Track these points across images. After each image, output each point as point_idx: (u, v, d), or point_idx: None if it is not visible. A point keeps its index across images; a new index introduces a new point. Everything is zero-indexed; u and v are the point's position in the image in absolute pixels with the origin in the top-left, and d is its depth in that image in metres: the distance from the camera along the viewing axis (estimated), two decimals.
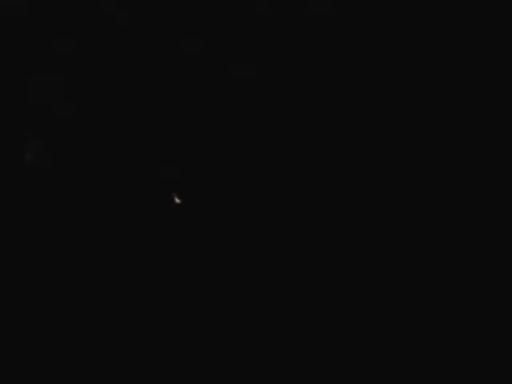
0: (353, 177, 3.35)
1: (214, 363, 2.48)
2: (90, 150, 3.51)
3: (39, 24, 3.54)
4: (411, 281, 2.94)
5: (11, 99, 3.40)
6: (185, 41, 3.64)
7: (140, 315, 2.99)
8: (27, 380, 2.50)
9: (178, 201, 3.47)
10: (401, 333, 2.52)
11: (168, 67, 3.67)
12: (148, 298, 3.13)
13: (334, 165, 3.37)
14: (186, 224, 3.47)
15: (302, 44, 3.57)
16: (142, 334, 2.79)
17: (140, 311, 3.00)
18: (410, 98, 3.33)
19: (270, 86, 3.59)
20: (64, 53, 3.62)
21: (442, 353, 2.34)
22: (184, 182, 3.53)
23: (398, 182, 3.30)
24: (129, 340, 2.73)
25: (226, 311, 3.08)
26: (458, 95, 3.20)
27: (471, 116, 3.14)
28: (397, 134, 3.33)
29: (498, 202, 3.01)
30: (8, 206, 3.18)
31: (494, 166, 3.07)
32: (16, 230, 3.17)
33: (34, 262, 3.16)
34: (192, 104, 3.69)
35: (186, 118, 3.67)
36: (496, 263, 2.86)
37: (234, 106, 3.57)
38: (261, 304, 3.03)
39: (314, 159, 3.44)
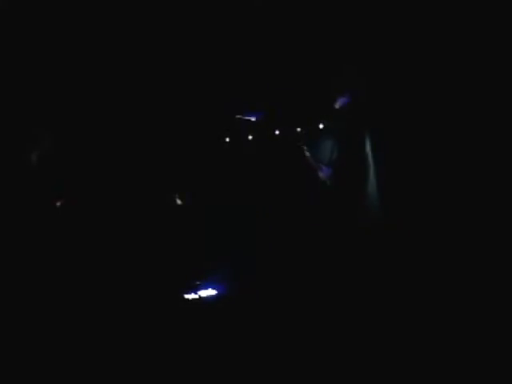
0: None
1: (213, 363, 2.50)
2: (94, 151, 3.51)
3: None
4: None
5: (15, 100, 3.40)
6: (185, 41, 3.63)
7: (140, 314, 3.00)
8: (27, 380, 2.50)
9: (179, 202, 3.49)
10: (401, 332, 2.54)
11: (168, 67, 3.67)
12: (148, 297, 3.14)
13: None
14: (187, 223, 3.49)
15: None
16: (141, 334, 2.80)
17: (140, 310, 3.01)
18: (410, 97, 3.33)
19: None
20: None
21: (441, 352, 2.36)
22: (185, 184, 3.55)
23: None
24: (128, 339, 2.74)
25: (224, 308, 3.10)
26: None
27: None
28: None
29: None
30: (13, 204, 3.18)
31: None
32: (19, 228, 3.17)
33: (35, 260, 3.16)
34: (192, 105, 3.69)
35: (187, 121, 3.67)
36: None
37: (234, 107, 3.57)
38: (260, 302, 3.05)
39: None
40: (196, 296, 3.23)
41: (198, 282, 3.28)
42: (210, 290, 3.25)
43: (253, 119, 3.61)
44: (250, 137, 3.68)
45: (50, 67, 3.52)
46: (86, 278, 3.18)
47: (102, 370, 2.58)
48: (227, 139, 3.73)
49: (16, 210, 3.09)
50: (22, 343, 2.76)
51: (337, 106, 3.06)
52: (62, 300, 3.06)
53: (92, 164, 3.52)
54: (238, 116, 3.60)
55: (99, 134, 3.60)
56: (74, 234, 3.34)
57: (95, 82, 3.60)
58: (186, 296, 3.23)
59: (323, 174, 3.11)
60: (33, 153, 3.12)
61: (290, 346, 2.62)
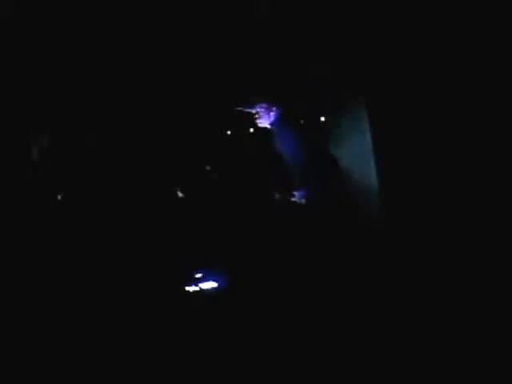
0: None
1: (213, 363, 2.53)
2: (94, 146, 3.53)
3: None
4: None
5: (15, 97, 3.40)
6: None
7: (141, 307, 3.04)
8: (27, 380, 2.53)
9: (180, 195, 3.52)
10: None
11: (167, 61, 3.66)
12: (148, 294, 3.17)
13: None
14: (188, 217, 3.51)
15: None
16: (141, 333, 2.83)
17: (140, 309, 3.05)
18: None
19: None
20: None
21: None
22: (186, 177, 3.57)
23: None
24: (128, 339, 2.77)
25: (225, 301, 3.14)
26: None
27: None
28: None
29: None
30: (12, 200, 3.20)
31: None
32: (18, 226, 3.19)
33: (34, 257, 3.17)
34: (192, 98, 3.69)
35: (187, 120, 3.67)
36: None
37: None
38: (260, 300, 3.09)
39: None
40: (197, 288, 3.28)
41: (199, 275, 3.32)
42: (211, 282, 3.30)
43: (253, 112, 3.61)
44: (252, 129, 3.69)
45: (50, 66, 3.52)
46: (86, 273, 3.22)
47: (104, 359, 2.64)
48: (228, 132, 3.74)
49: (16, 207, 3.12)
50: (22, 337, 2.81)
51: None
52: (64, 291, 3.11)
53: (91, 157, 3.54)
54: (239, 108, 3.60)
55: (98, 127, 3.62)
56: (73, 226, 3.37)
57: (94, 78, 3.60)
58: (187, 288, 3.28)
59: (296, 198, 3.12)
60: (33, 149, 3.14)
61: (289, 339, 2.67)
